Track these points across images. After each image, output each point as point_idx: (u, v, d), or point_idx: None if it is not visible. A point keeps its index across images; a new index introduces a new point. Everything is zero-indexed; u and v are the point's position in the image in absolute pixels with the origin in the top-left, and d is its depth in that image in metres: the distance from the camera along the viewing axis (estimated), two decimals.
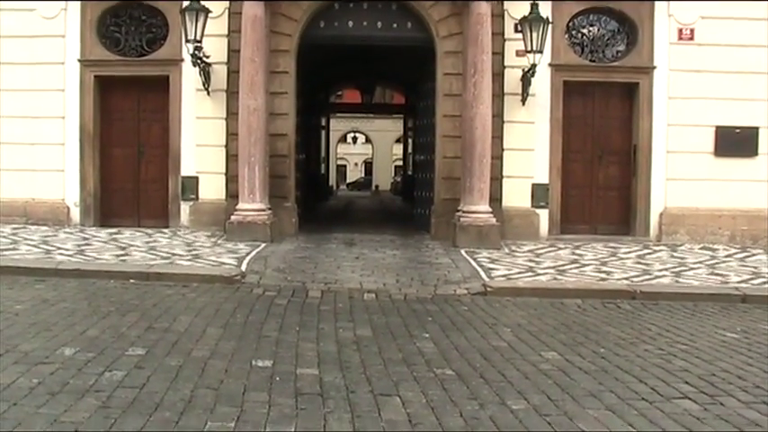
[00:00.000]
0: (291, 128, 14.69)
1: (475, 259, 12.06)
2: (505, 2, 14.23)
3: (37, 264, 10.76)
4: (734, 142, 14.56)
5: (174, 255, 11.81)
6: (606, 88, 15.02)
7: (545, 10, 13.88)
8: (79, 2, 14.63)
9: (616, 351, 7.02)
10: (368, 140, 59.76)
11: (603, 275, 11.10)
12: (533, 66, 13.68)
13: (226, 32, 14.38)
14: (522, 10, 13.76)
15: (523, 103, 14.38)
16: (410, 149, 27.45)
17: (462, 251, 12.82)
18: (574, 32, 14.91)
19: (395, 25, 14.79)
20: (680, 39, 14.60)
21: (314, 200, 17.68)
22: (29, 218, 14.63)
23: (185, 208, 14.80)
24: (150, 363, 6.14)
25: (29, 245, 12.33)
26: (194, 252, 12.13)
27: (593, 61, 14.91)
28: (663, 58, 14.64)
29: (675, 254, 13.26)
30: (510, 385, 5.87)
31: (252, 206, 13.58)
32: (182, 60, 14.49)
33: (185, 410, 5.05)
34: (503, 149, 14.41)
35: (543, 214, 14.69)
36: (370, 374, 6.05)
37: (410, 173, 25.59)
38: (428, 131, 15.45)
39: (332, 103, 32.58)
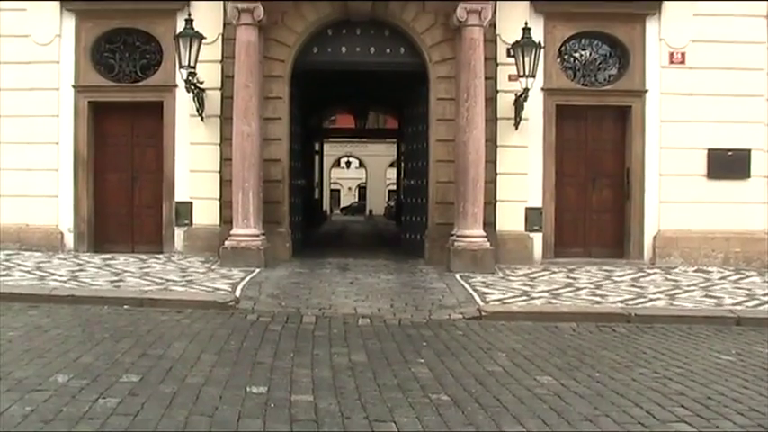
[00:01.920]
0: (285, 153, 14.71)
1: (469, 283, 12.05)
2: (498, 27, 14.31)
3: (30, 290, 10.71)
4: (726, 165, 14.63)
5: (168, 280, 11.78)
6: (599, 112, 15.09)
7: (537, 35, 13.97)
8: (73, 28, 14.70)
9: (611, 375, 7.01)
10: (361, 165, 59.91)
11: (598, 299, 11.09)
12: (526, 90, 13.74)
13: (219, 58, 14.45)
14: (515, 35, 13.83)
15: (516, 128, 14.43)
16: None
17: (457, 275, 12.82)
18: (566, 57, 15.00)
19: (388, 51, 14.87)
20: (671, 62, 14.70)
21: (308, 225, 17.71)
22: (22, 244, 14.59)
23: (179, 233, 14.78)
24: (144, 390, 6.11)
25: (22, 271, 12.30)
26: (188, 278, 12.11)
27: (586, 85, 14.99)
28: (654, 81, 14.73)
29: (669, 276, 13.27)
30: (505, 410, 5.86)
31: (246, 231, 13.57)
32: (175, 86, 14.54)
33: None
34: (496, 174, 14.45)
35: (537, 238, 14.70)
36: (365, 400, 6.03)
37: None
38: (420, 156, 15.46)
39: (325, 128, 32.65)
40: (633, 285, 12.29)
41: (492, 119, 14.25)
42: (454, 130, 14.10)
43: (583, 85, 14.99)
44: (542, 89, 14.55)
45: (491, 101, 14.21)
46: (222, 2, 14.08)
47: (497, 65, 14.41)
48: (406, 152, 16.79)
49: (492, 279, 12.63)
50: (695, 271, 13.97)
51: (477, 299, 10.84)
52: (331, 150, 47.71)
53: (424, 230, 15.14)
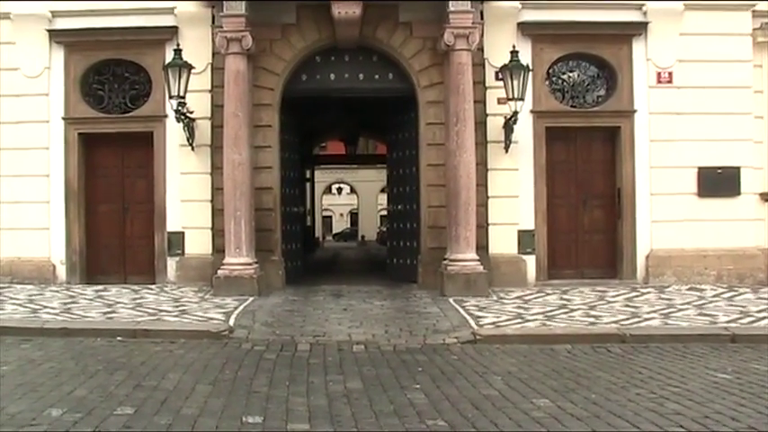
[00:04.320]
0: (276, 181, 14.70)
1: (463, 307, 12.03)
2: (485, 51, 14.38)
3: (23, 323, 10.67)
4: (716, 183, 14.70)
5: (161, 311, 11.74)
6: (588, 133, 15.13)
7: (525, 57, 14.04)
8: (62, 61, 14.73)
9: (608, 396, 6.99)
10: (353, 191, 59.89)
11: (592, 320, 11.08)
12: (515, 113, 13.79)
13: (209, 88, 14.47)
14: (503, 58, 13.91)
15: (507, 151, 14.46)
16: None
17: (450, 300, 12.79)
18: (554, 79, 15.07)
19: (376, 76, 14.92)
20: (659, 82, 14.78)
21: (302, 252, 17.65)
22: (14, 277, 14.53)
23: (172, 263, 14.75)
24: (139, 422, 6.08)
25: (14, 304, 12.24)
26: (182, 308, 12.06)
27: (575, 107, 15.05)
28: (643, 101, 14.80)
29: (663, 295, 13.27)
30: None
31: (238, 260, 13.54)
32: (165, 116, 14.55)
33: None
34: (488, 197, 14.46)
35: (530, 260, 14.70)
36: (361, 428, 6.01)
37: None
38: (409, 181, 15.44)
39: (316, 155, 32.68)
40: (627, 305, 12.29)
41: (482, 142, 14.29)
42: (444, 155, 14.13)
43: (572, 106, 15.05)
44: (531, 111, 14.61)
45: (481, 124, 14.23)
46: (210, 31, 14.12)
47: (486, 88, 14.47)
48: (392, 177, 16.72)
49: (486, 302, 12.60)
50: (688, 289, 13.98)
51: (472, 323, 10.82)
52: (322, 177, 47.74)
53: (414, 255, 15.14)
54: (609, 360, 8.89)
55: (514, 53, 13.76)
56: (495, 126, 14.46)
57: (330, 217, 66.55)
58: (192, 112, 14.09)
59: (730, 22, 14.76)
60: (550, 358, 8.96)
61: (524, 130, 14.54)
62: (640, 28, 14.76)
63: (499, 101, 14.25)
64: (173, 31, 14.57)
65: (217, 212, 14.27)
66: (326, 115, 20.75)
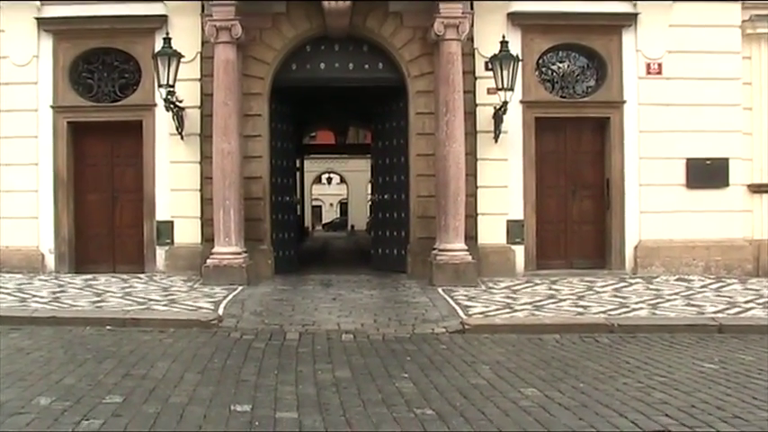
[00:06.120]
0: (266, 170, 14.68)
1: (452, 297, 12.06)
2: (475, 41, 14.37)
3: (11, 312, 10.64)
4: (705, 174, 14.74)
5: (150, 300, 11.73)
6: (578, 123, 15.15)
7: (515, 47, 14.03)
8: (51, 49, 14.67)
9: (595, 385, 7.02)
10: (342, 181, 59.88)
11: (581, 310, 11.11)
12: (505, 103, 13.79)
13: (198, 76, 14.43)
14: (493, 48, 13.90)
15: (496, 141, 14.47)
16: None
17: (439, 289, 12.82)
18: (544, 69, 15.07)
19: (366, 66, 14.90)
20: (648, 73, 14.81)
21: (295, 241, 17.58)
22: (3, 266, 14.47)
23: (161, 253, 14.73)
24: (128, 410, 6.08)
25: (3, 293, 12.20)
26: (171, 297, 12.05)
27: (564, 97, 15.06)
28: (632, 92, 14.83)
29: (651, 286, 13.32)
30: (490, 423, 5.86)
31: (228, 249, 13.54)
32: (155, 105, 14.51)
33: None
34: (477, 187, 14.47)
35: (519, 250, 14.73)
36: (349, 417, 6.02)
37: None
38: (397, 170, 15.40)
39: (306, 145, 32.63)
40: (615, 296, 12.33)
41: (471, 132, 14.29)
42: (434, 145, 14.14)
43: (561, 97, 15.06)
44: (521, 102, 14.61)
45: (470, 114, 14.24)
46: (200, 20, 14.07)
47: (476, 78, 14.46)
48: (378, 167, 16.60)
49: (475, 292, 12.63)
50: (677, 280, 14.04)
51: (460, 312, 10.85)
52: (312, 167, 47.68)
53: (402, 245, 15.15)
54: (597, 350, 8.93)
55: (504, 43, 13.74)
56: (484, 116, 14.46)
57: (320, 207, 66.54)
58: (181, 101, 14.06)
59: (720, 14, 14.79)
60: (538, 348, 9.00)
61: (514, 121, 14.56)
62: (630, 19, 14.78)
63: (489, 91, 14.25)
64: (162, 19, 14.53)
65: (206, 202, 14.26)
66: (317, 105, 20.72)
